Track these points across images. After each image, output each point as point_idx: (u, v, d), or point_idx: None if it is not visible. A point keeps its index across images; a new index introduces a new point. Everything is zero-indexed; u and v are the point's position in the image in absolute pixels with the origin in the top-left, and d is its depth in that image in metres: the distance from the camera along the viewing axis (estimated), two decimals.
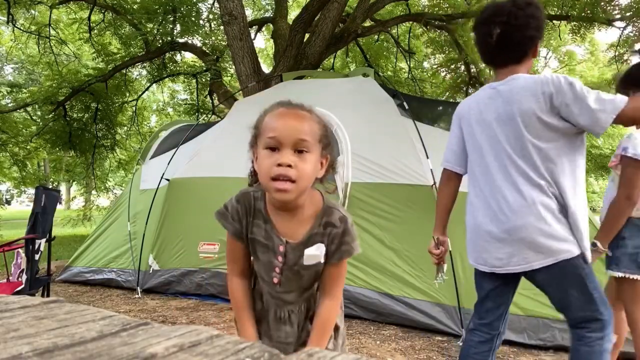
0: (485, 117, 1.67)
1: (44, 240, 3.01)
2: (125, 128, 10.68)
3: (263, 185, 1.06)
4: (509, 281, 1.67)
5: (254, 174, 1.16)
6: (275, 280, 1.15)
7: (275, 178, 1.00)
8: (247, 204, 1.14)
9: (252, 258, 1.20)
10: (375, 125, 3.81)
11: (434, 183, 3.24)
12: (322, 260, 1.13)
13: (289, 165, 1.00)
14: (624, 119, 1.48)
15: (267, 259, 1.14)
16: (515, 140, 1.58)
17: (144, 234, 4.24)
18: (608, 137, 12.05)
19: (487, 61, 1.78)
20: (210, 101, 9.12)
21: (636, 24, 6.92)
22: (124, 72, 8.60)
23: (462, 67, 8.97)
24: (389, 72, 10.30)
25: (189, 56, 10.10)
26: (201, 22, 8.02)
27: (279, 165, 1.00)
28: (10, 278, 3.03)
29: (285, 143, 1.01)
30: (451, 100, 8.80)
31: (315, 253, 1.12)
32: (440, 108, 4.96)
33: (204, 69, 8.28)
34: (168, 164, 4.40)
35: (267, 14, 11.46)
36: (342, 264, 1.16)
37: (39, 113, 9.56)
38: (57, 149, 8.93)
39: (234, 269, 1.21)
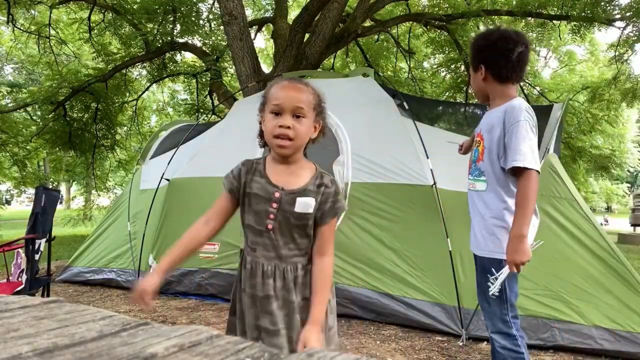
0: None
1: (44, 240, 3.01)
2: (125, 128, 10.66)
3: (267, 141, 1.32)
4: None
5: (261, 135, 1.38)
6: (270, 226, 1.30)
7: (277, 136, 1.26)
8: (249, 165, 1.36)
9: (244, 214, 1.34)
10: (375, 125, 3.80)
11: (434, 183, 3.24)
12: (312, 211, 1.30)
13: (288, 127, 1.26)
14: None
15: (262, 207, 1.31)
16: None
17: (144, 234, 4.23)
18: (608, 137, 12.04)
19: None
20: (210, 101, 9.11)
21: (636, 24, 6.91)
22: (124, 72, 8.58)
23: (462, 67, 8.96)
24: (389, 72, 10.28)
25: (189, 56, 10.09)
26: (201, 22, 8.00)
27: (280, 126, 1.26)
28: (10, 278, 3.03)
29: (286, 109, 1.27)
30: (451, 100, 8.79)
31: (307, 202, 1.30)
32: (440, 108, 4.96)
33: (204, 69, 8.27)
34: (168, 164, 4.40)
35: (267, 14, 11.44)
36: (333, 222, 1.35)
37: (39, 113, 9.53)
38: (57, 149, 8.90)
39: (206, 213, 1.37)
